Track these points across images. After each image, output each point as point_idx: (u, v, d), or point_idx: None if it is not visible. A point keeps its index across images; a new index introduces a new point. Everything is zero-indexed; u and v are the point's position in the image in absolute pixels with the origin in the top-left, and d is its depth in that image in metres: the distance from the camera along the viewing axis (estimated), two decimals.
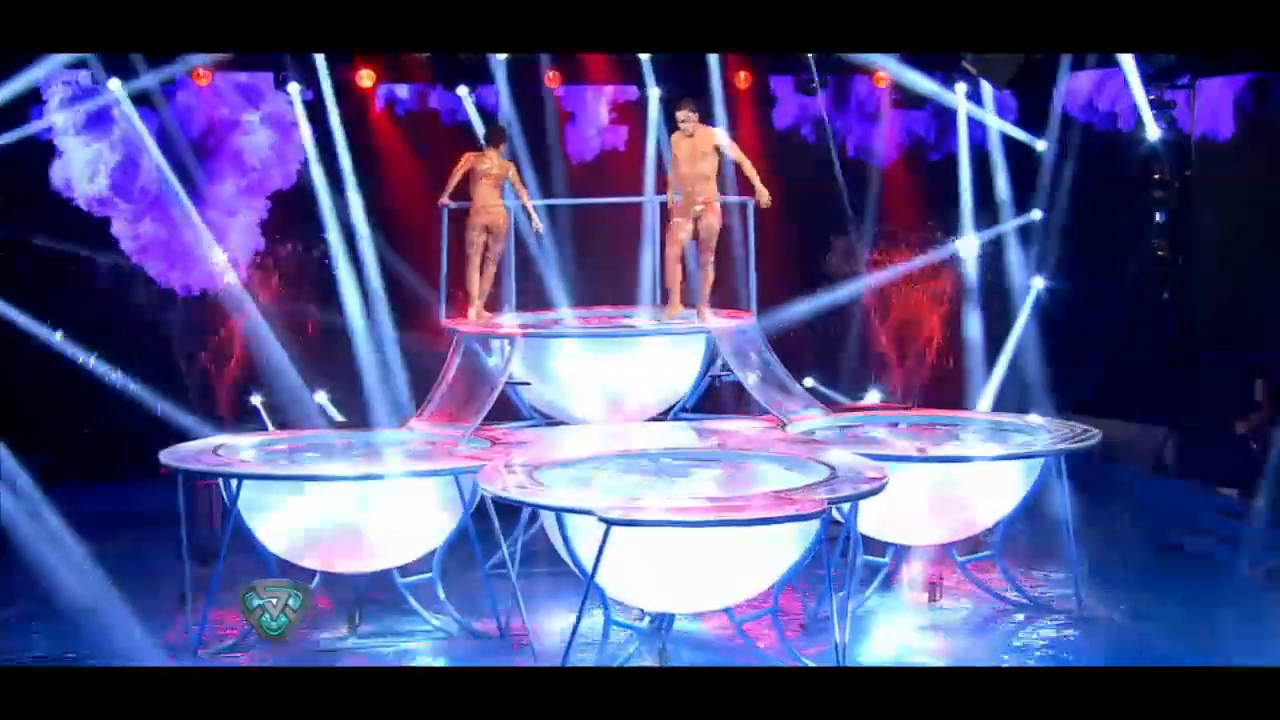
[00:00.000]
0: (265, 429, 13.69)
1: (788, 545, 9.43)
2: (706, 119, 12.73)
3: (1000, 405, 14.75)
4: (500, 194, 12.68)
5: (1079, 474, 11.84)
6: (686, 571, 9.36)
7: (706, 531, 9.05)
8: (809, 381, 15.14)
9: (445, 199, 12.54)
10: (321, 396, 14.85)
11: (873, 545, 11.38)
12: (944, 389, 15.45)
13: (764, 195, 12.04)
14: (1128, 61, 14.09)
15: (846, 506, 9.83)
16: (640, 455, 10.73)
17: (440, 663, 10.52)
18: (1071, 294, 15.72)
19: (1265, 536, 12.39)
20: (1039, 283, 15.98)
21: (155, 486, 11.81)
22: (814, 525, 9.21)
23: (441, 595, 11.00)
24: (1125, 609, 11.26)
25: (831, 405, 14.00)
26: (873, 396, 15.43)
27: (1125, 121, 15.52)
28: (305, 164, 15.31)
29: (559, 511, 9.39)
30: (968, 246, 16.06)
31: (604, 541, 8.94)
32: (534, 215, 12.83)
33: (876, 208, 16.28)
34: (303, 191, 15.40)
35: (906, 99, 16.20)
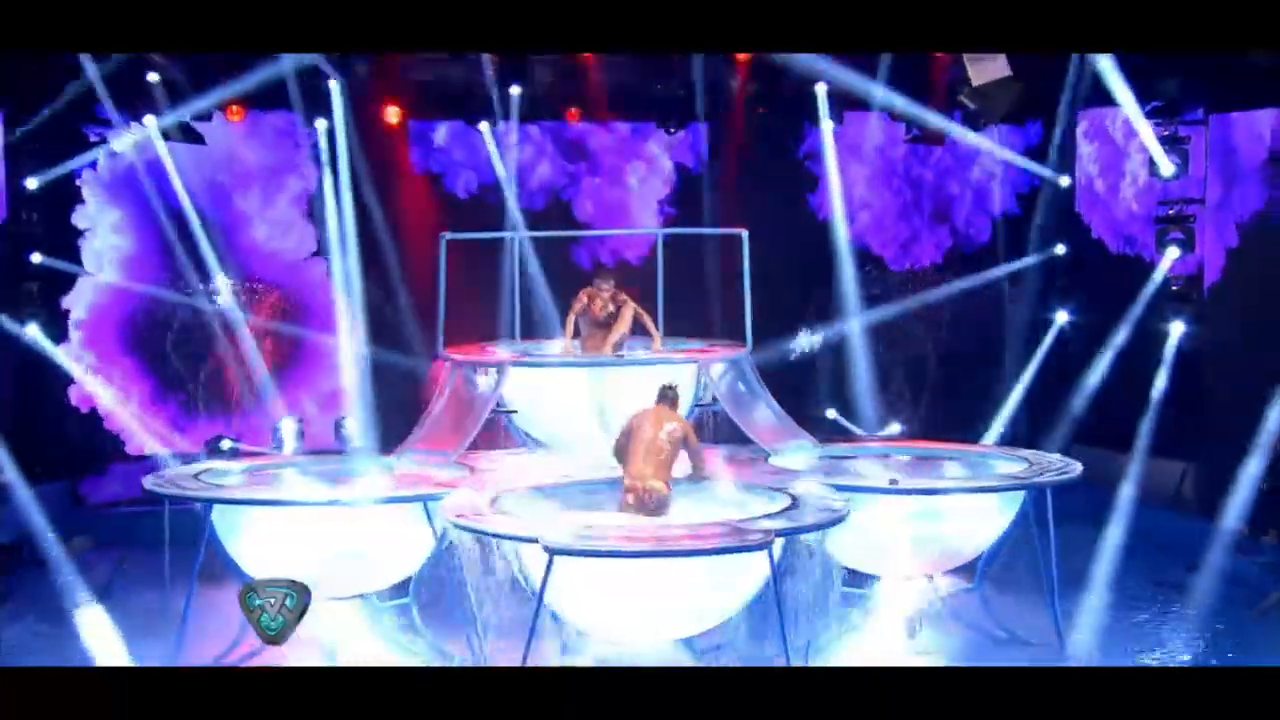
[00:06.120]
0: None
1: (742, 577, 9.38)
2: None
3: (1011, 439, 14.59)
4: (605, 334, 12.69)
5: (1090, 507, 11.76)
6: (637, 602, 9.37)
7: (652, 562, 9.06)
8: (830, 413, 15.15)
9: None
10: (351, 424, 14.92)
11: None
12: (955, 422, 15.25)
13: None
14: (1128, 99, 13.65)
15: (811, 537, 9.76)
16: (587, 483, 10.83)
17: None
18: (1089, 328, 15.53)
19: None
20: (1062, 316, 15.95)
21: None
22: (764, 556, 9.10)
23: (418, 621, 11.07)
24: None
25: (849, 437, 13.95)
26: (894, 428, 15.20)
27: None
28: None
29: (507, 539, 9.47)
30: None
31: (548, 571, 8.96)
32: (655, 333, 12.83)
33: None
34: None
35: (926, 135, 16.16)
